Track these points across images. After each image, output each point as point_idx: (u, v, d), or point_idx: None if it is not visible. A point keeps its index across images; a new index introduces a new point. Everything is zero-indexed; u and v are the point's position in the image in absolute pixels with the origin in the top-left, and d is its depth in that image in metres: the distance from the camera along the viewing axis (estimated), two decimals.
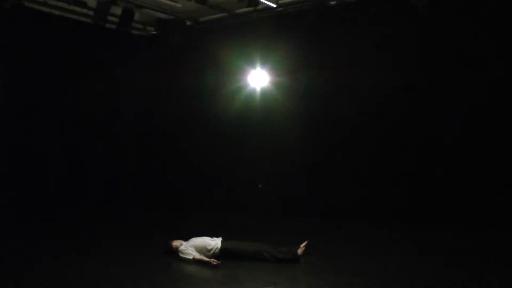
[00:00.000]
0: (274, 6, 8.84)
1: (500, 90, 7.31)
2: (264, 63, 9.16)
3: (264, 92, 9.43)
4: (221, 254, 5.60)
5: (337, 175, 8.76)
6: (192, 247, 5.67)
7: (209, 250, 5.62)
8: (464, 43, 7.54)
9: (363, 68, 8.40)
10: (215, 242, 5.70)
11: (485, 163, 7.39)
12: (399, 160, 8.16)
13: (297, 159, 9.19)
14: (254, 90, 9.47)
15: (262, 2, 8.54)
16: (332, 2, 8.53)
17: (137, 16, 9.41)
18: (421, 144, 7.97)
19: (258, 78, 9.30)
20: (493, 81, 7.35)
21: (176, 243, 5.85)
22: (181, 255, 5.67)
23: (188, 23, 10.02)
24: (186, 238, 5.91)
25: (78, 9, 9.06)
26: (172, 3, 9.09)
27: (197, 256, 5.57)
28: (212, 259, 5.46)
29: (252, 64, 9.24)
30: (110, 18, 9.13)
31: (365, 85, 8.41)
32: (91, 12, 9.12)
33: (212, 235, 5.88)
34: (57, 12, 9.12)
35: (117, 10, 8.95)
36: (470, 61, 7.49)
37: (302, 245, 5.65)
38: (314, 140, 9.06)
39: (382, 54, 8.27)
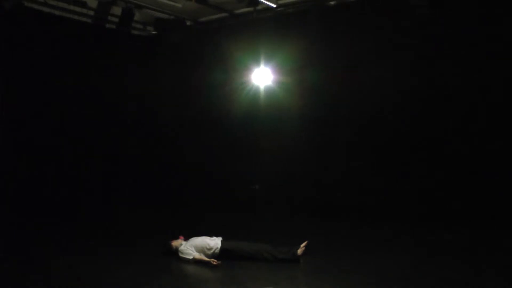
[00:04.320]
0: (274, 6, 8.84)
1: (501, 90, 7.31)
2: (264, 63, 9.16)
3: (263, 92, 9.43)
4: (221, 254, 5.59)
5: (338, 175, 8.77)
6: (192, 247, 5.67)
7: (209, 250, 5.61)
8: (465, 43, 7.54)
9: (366, 68, 8.40)
10: (215, 242, 5.69)
11: (486, 163, 7.39)
12: (399, 160, 8.17)
13: (299, 159, 9.20)
14: (254, 90, 9.48)
15: (262, 2, 8.54)
16: (332, 2, 8.53)
17: (137, 16, 9.41)
18: (423, 144, 7.97)
19: (257, 78, 9.30)
20: (494, 81, 7.35)
21: (176, 243, 5.85)
22: (181, 255, 5.67)
23: (188, 23, 10.02)
24: (186, 238, 5.91)
25: (78, 9, 9.06)
26: (172, 3, 9.09)
27: (197, 256, 5.57)
28: (212, 259, 5.46)
29: (252, 64, 9.24)
30: (110, 18, 9.14)
31: (368, 85, 8.42)
32: (91, 12, 9.13)
33: (212, 235, 5.88)
34: (57, 12, 9.12)
35: (117, 10, 8.96)
36: (472, 61, 7.48)
37: (302, 245, 5.65)
38: (315, 140, 9.08)
39: (382, 54, 8.29)
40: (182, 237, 5.96)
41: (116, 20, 9.10)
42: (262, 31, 9.28)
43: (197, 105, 10.50)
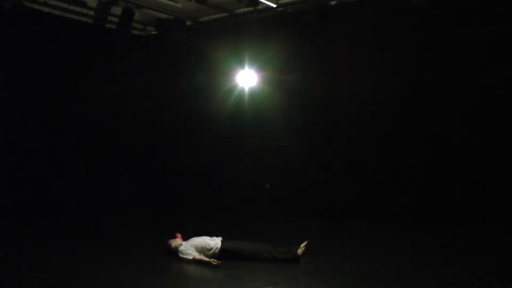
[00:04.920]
0: (274, 6, 8.84)
1: (501, 91, 7.31)
2: (263, 63, 9.15)
3: (264, 92, 9.43)
4: (221, 254, 5.59)
5: (335, 175, 8.77)
6: (192, 247, 5.66)
7: (209, 250, 5.61)
8: (465, 43, 7.54)
9: (363, 68, 8.42)
10: (215, 242, 5.69)
11: (485, 163, 7.39)
12: (398, 160, 8.17)
13: (296, 159, 9.21)
14: (253, 90, 9.48)
15: (262, 2, 8.54)
16: (333, 2, 8.53)
17: (137, 16, 9.41)
18: (421, 144, 7.96)
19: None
20: (495, 81, 7.35)
21: (174, 242, 5.83)
22: (181, 255, 5.66)
23: (188, 23, 10.02)
24: (185, 238, 5.90)
25: (78, 9, 9.06)
26: (172, 3, 9.09)
27: (197, 256, 5.56)
28: (212, 259, 5.45)
29: (252, 64, 9.23)
30: (110, 18, 9.14)
31: (363, 85, 8.44)
32: (91, 12, 9.12)
33: (212, 235, 5.87)
34: (57, 12, 9.12)
35: (117, 10, 8.95)
36: (472, 61, 7.48)
37: (302, 245, 5.65)
38: (313, 140, 9.08)
39: (381, 54, 8.29)
40: (179, 235, 5.94)
41: (116, 20, 9.10)
42: (262, 31, 9.28)
43: (196, 104, 10.49)
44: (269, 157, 9.54)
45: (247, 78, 9.23)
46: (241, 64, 9.27)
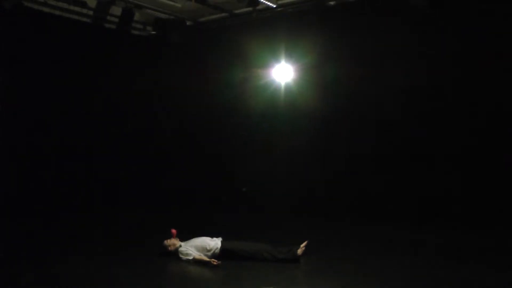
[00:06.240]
0: (274, 6, 8.84)
1: (502, 90, 7.31)
2: (265, 63, 9.16)
3: (263, 93, 9.44)
4: (221, 254, 5.59)
5: (340, 176, 8.77)
6: (192, 247, 5.66)
7: (209, 250, 5.61)
8: (465, 43, 7.53)
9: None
10: (215, 242, 5.69)
11: (486, 164, 7.39)
12: (400, 160, 8.17)
13: (302, 159, 9.22)
14: (253, 91, 9.50)
15: (262, 2, 8.54)
16: (332, 2, 8.53)
17: (137, 16, 9.41)
18: (425, 145, 7.96)
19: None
20: (495, 81, 7.34)
21: (172, 246, 5.79)
22: (181, 255, 5.66)
23: (188, 23, 10.02)
24: (185, 238, 5.90)
25: (78, 9, 9.07)
26: (172, 3, 9.09)
27: (197, 256, 5.56)
28: (212, 259, 5.45)
29: (252, 64, 9.24)
30: (110, 18, 9.15)
31: (363, 85, 8.41)
32: (91, 12, 9.13)
33: (212, 235, 5.87)
34: (57, 12, 9.12)
35: (117, 10, 8.96)
36: (472, 61, 7.48)
37: (302, 245, 5.65)
38: (320, 140, 9.08)
39: (381, 54, 8.28)
40: (174, 231, 5.89)
41: (116, 20, 9.10)
42: (262, 31, 9.28)
43: (196, 104, 10.50)
44: (269, 157, 9.55)
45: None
46: (241, 64, 9.29)
